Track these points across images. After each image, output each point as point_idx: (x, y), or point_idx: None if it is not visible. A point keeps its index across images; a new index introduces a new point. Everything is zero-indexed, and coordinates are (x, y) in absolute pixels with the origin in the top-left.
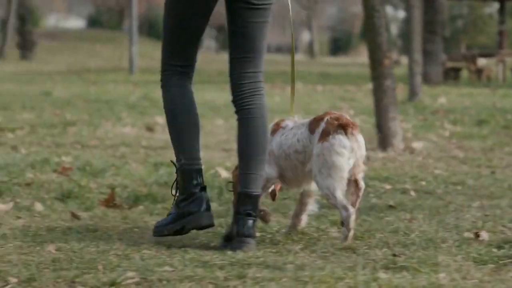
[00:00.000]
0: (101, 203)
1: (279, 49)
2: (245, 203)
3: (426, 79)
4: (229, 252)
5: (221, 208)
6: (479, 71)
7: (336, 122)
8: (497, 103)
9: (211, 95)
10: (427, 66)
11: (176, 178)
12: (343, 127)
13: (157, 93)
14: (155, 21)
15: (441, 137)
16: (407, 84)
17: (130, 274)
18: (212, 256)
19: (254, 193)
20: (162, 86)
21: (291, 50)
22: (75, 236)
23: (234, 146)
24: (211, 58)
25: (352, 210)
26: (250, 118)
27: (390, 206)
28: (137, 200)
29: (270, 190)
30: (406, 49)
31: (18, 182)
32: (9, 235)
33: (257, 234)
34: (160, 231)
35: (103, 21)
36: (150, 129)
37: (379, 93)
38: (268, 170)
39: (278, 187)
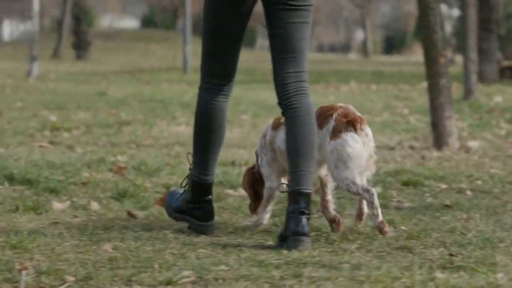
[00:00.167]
0: (156, 202)
1: (332, 48)
2: (298, 201)
3: (481, 78)
4: (285, 251)
5: (275, 207)
6: None
7: (344, 119)
8: None
9: (264, 94)
10: (482, 65)
11: (188, 175)
12: (352, 124)
13: None
14: None
15: (497, 136)
16: (462, 82)
17: (186, 273)
18: (268, 255)
19: (306, 191)
20: (199, 97)
21: None
22: (131, 235)
23: None
24: (264, 57)
25: (373, 190)
26: (297, 116)
27: (446, 206)
28: None
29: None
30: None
31: (74, 181)
32: (66, 234)
33: (312, 233)
34: (169, 212)
35: (157, 21)
36: None
37: (434, 92)
38: (271, 177)
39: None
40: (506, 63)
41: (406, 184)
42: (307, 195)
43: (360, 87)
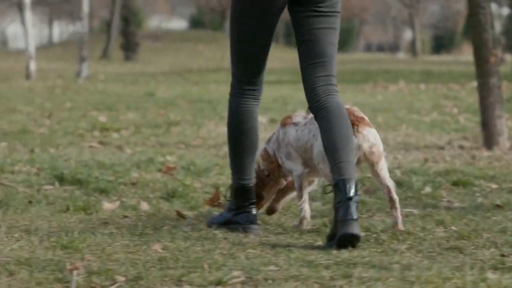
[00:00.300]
0: (206, 203)
1: (380, 48)
2: (343, 190)
3: None
4: (334, 252)
5: (324, 208)
6: None
7: None
8: None
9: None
10: None
11: (230, 188)
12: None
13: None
14: None
15: None
16: None
17: (235, 273)
18: (317, 256)
19: (349, 177)
20: (230, 102)
21: None
22: (181, 235)
23: None
24: None
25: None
26: (330, 114)
27: (497, 206)
28: None
29: (269, 204)
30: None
31: (124, 181)
32: (116, 234)
33: (362, 233)
34: (209, 225)
35: (205, 22)
36: None
37: (484, 91)
38: (294, 167)
39: (280, 206)
40: None
41: (456, 184)
42: (352, 182)
43: (409, 87)
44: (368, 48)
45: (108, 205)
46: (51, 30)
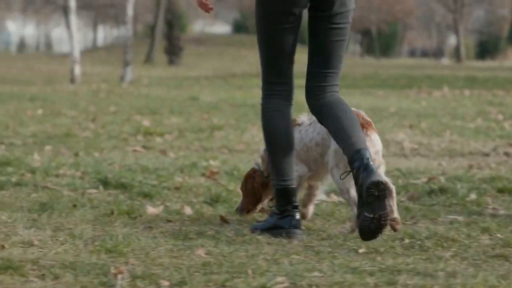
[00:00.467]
0: None
1: (424, 54)
2: (361, 157)
3: None
4: (379, 258)
5: None
6: None
7: None
8: None
9: (356, 100)
10: None
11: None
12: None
13: (301, 96)
14: None
15: None
16: None
17: (279, 279)
18: (362, 262)
19: (363, 147)
20: (261, 105)
21: None
22: (224, 240)
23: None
24: (356, 62)
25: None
26: (333, 104)
27: None
28: None
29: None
30: None
31: (168, 186)
32: (160, 239)
33: (406, 240)
34: (253, 231)
35: (249, 26)
36: None
37: None
38: (296, 167)
39: (309, 212)
40: None
41: (501, 191)
42: (366, 151)
43: (453, 93)
44: (412, 53)
45: (152, 210)
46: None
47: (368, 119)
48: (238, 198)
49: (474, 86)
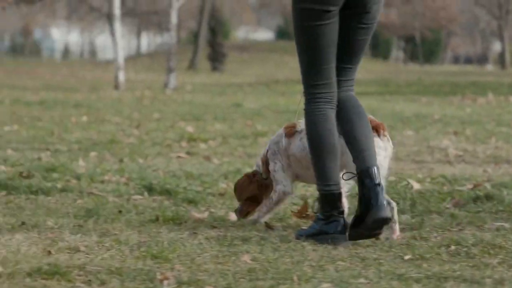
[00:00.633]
0: (294, 214)
1: (468, 60)
2: (371, 176)
3: None
4: (425, 265)
5: (413, 221)
6: None
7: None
8: None
9: (399, 106)
10: None
11: (317, 199)
12: (376, 129)
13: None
14: None
15: None
16: None
17: (325, 285)
18: (408, 269)
19: (374, 165)
20: (305, 110)
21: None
22: (269, 246)
23: (426, 157)
24: (399, 69)
25: (394, 203)
26: (348, 105)
27: None
28: None
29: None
30: None
31: (212, 192)
32: (205, 245)
33: (452, 247)
34: (298, 237)
35: (291, 33)
36: None
37: None
38: (285, 182)
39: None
40: None
41: None
42: (377, 169)
43: (498, 99)
44: (456, 60)
45: (197, 215)
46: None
47: (379, 121)
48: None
49: None
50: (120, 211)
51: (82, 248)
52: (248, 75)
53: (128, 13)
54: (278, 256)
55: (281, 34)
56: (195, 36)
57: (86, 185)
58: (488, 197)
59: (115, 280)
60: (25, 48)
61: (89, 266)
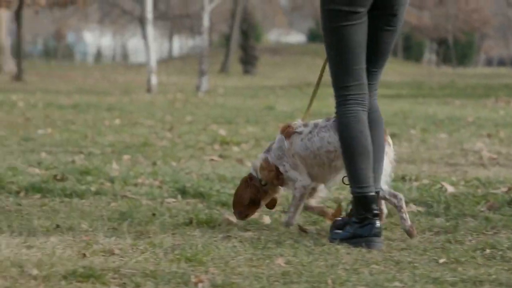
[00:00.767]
0: (328, 217)
1: (501, 63)
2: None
3: None
4: (460, 269)
5: (448, 224)
6: None
7: None
8: None
9: (433, 109)
10: None
11: (351, 201)
12: None
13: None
14: None
15: None
16: None
17: None
18: (442, 273)
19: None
20: (336, 113)
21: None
22: (303, 249)
23: (459, 160)
24: (432, 71)
25: (400, 194)
26: (370, 119)
27: None
28: None
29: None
30: None
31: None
32: (239, 248)
33: (487, 250)
34: (332, 240)
35: None
36: None
37: None
38: (300, 177)
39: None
40: None
41: None
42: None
43: None
44: (489, 62)
45: (231, 218)
46: (171, 44)
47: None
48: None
49: None
50: (153, 214)
51: (117, 251)
52: (280, 78)
53: (160, 16)
54: (312, 259)
55: (313, 36)
56: (227, 39)
57: (119, 188)
58: None
59: (150, 283)
60: (58, 51)
61: (123, 269)
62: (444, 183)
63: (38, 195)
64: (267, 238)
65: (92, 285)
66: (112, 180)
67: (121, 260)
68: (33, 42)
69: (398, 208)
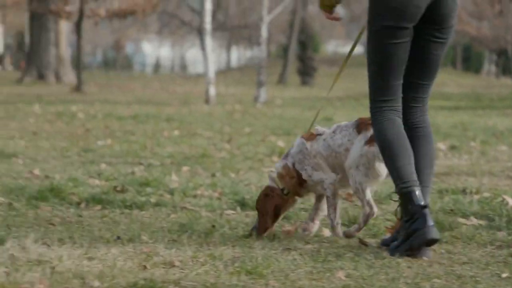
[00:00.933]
0: (388, 230)
1: None
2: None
3: None
4: None
5: (510, 238)
6: None
7: None
8: None
9: (492, 120)
10: None
11: (399, 204)
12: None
13: (438, 117)
14: None
15: None
16: None
17: None
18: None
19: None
20: (372, 121)
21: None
22: (364, 263)
23: None
24: (492, 83)
25: (376, 210)
26: (421, 136)
27: None
28: None
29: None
30: None
31: (304, 207)
32: (299, 260)
33: None
34: (392, 254)
35: None
36: None
37: None
38: (324, 176)
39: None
40: None
41: None
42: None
43: None
44: None
45: (290, 228)
46: (229, 55)
47: None
48: (376, 220)
49: None
50: (213, 226)
51: (177, 263)
52: (338, 89)
53: (218, 27)
54: (373, 273)
55: None
56: (285, 50)
57: (179, 199)
58: None
59: None
60: (117, 62)
61: (184, 281)
62: (505, 197)
63: (98, 206)
64: (327, 251)
65: None
66: (171, 192)
67: (182, 272)
68: (92, 53)
69: (364, 217)
